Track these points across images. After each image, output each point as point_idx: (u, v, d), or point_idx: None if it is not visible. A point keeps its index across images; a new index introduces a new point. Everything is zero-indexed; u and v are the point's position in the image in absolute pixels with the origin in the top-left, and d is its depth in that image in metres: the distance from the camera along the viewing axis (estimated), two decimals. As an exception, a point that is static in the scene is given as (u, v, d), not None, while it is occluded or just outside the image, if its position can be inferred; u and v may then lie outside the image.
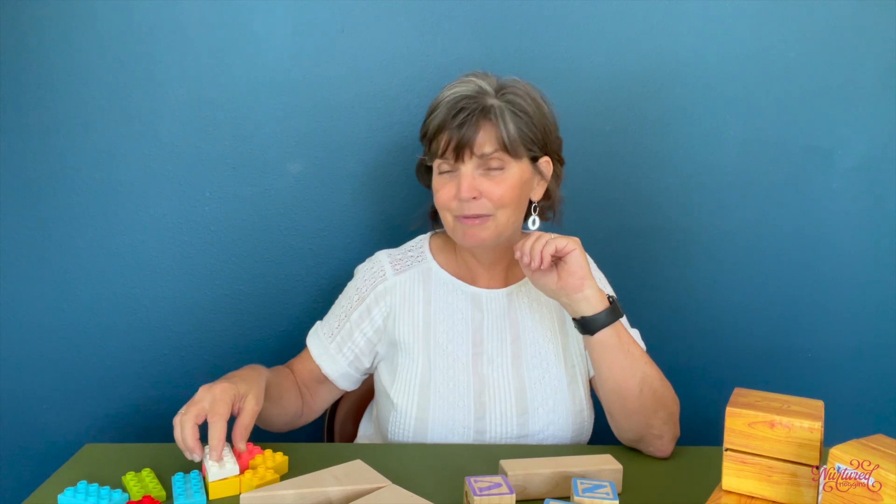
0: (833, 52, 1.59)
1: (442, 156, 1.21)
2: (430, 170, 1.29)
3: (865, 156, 1.63)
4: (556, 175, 1.31)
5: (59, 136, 1.48)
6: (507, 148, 1.20)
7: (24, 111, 1.47)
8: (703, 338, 1.65)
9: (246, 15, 1.48)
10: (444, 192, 1.23)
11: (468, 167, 1.20)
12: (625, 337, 1.17)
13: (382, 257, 1.34)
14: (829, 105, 1.61)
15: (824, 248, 1.66)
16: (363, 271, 1.34)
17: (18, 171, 1.49)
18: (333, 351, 1.31)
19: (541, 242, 1.15)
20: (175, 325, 1.57)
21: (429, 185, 1.32)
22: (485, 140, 1.19)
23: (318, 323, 1.36)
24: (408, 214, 1.57)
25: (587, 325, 1.16)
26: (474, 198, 1.19)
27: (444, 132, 1.21)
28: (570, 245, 1.15)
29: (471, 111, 1.20)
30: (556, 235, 1.16)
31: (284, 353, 1.60)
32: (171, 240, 1.54)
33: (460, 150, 1.19)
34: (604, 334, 1.16)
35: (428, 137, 1.24)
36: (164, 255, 1.54)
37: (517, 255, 1.17)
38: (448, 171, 1.23)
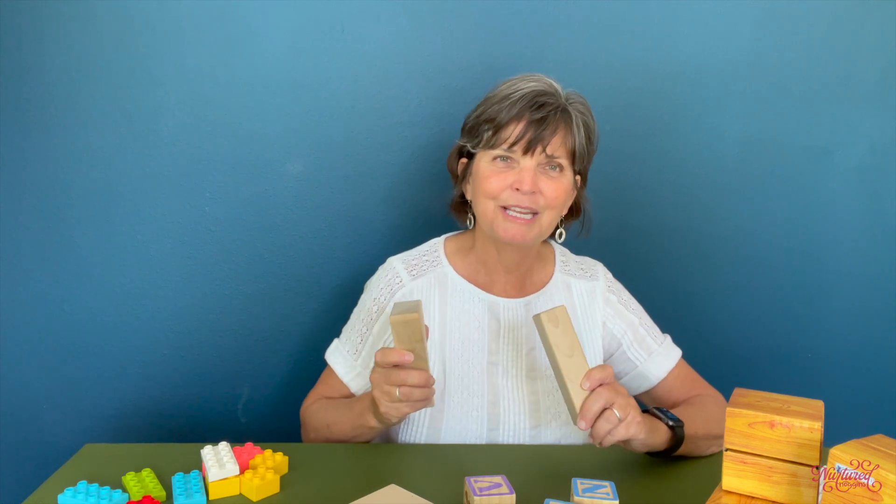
0: (833, 52, 1.59)
1: (510, 146, 1.20)
2: (466, 156, 1.28)
3: (865, 156, 1.63)
4: (580, 193, 1.32)
5: (59, 135, 1.48)
6: (574, 155, 1.22)
7: (23, 111, 1.47)
8: (703, 338, 1.65)
9: (246, 14, 1.48)
10: (497, 180, 1.21)
11: (532, 162, 1.20)
12: (690, 441, 1.16)
13: (396, 264, 1.32)
14: (829, 105, 1.61)
15: (824, 248, 1.66)
16: (377, 281, 1.32)
17: (18, 171, 1.49)
18: (361, 368, 1.30)
19: (606, 429, 1.06)
20: (175, 326, 1.57)
21: (457, 175, 1.32)
22: (559, 141, 1.20)
23: (336, 341, 1.34)
24: (409, 214, 1.58)
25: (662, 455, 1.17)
26: (533, 192, 1.20)
27: (520, 123, 1.19)
28: (633, 434, 1.07)
29: (552, 108, 1.20)
30: (620, 415, 1.07)
31: (284, 353, 1.60)
32: (171, 240, 1.54)
33: (534, 144, 1.19)
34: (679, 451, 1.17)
35: (496, 124, 1.21)
36: (163, 255, 1.54)
37: (582, 425, 1.07)
38: (504, 161, 1.22)
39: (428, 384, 1.08)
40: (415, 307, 1.06)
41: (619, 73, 1.57)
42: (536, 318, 1.12)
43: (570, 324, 1.11)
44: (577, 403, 1.07)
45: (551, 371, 1.27)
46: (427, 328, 1.10)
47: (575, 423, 1.07)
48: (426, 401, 1.10)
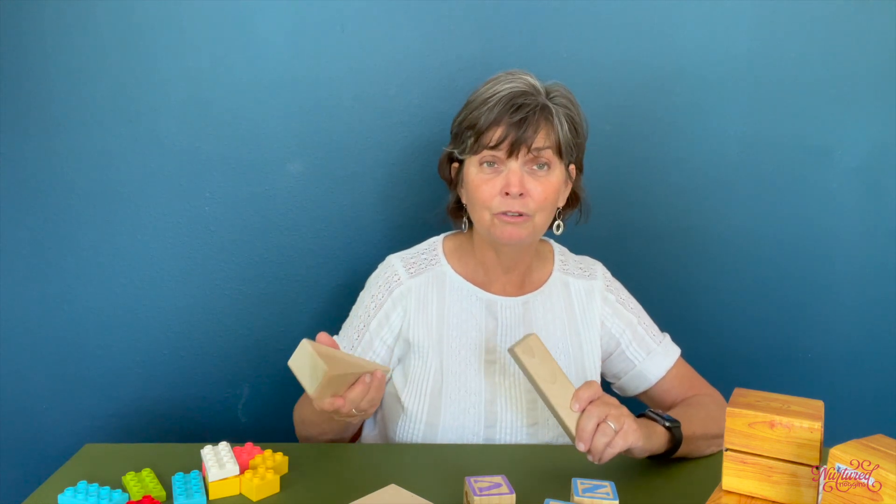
0: (833, 52, 1.59)
1: (494, 148, 1.19)
2: (456, 163, 1.28)
3: (865, 156, 1.63)
4: (577, 182, 1.31)
5: (59, 136, 1.48)
6: (559, 149, 1.21)
7: (24, 111, 1.47)
8: (703, 338, 1.65)
9: (246, 14, 1.48)
10: (488, 188, 1.21)
11: (518, 164, 1.20)
12: (690, 442, 1.17)
13: (395, 261, 1.32)
14: (829, 105, 1.61)
15: (824, 248, 1.66)
16: (376, 279, 1.32)
17: (18, 171, 1.49)
18: None
19: (603, 442, 1.06)
20: (175, 326, 1.57)
21: (450, 180, 1.31)
22: (542, 138, 1.20)
23: (335, 338, 1.33)
24: (408, 214, 1.58)
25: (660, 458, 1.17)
26: (521, 194, 1.19)
27: (500, 127, 1.19)
28: (632, 442, 1.07)
29: (531, 108, 1.19)
30: (615, 426, 1.06)
31: (284, 353, 1.60)
32: (171, 240, 1.54)
33: (517, 145, 1.19)
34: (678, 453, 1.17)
35: (476, 130, 1.21)
36: (163, 256, 1.54)
37: (581, 447, 1.07)
38: (491, 167, 1.22)
39: (372, 387, 1.07)
40: (310, 357, 1.01)
41: (620, 73, 1.57)
42: (511, 351, 1.12)
43: (546, 350, 1.12)
44: (572, 426, 1.08)
45: None
46: (336, 344, 1.09)
47: (575, 446, 1.07)
48: (381, 393, 1.10)
